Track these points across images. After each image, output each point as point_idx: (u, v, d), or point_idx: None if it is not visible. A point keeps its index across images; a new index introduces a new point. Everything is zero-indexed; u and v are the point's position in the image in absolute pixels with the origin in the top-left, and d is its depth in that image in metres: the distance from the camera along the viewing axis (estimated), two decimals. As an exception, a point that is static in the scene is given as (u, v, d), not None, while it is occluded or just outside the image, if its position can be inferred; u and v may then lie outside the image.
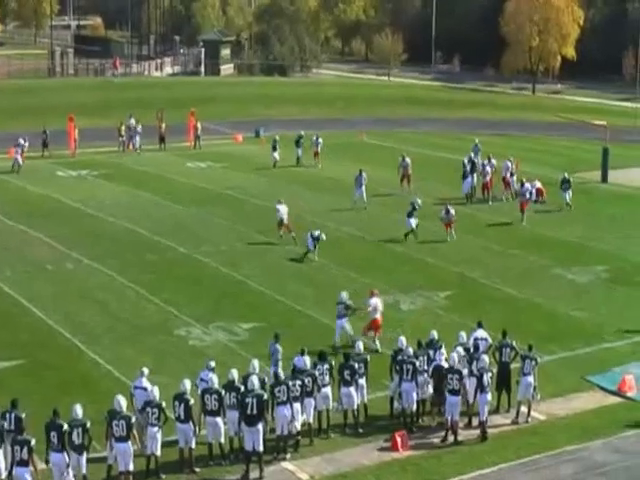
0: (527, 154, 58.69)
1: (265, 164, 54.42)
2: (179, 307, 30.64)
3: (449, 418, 22.22)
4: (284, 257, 36.53)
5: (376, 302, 27.91)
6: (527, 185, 43.54)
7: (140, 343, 27.66)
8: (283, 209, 38.36)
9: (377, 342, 27.40)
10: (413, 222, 38.75)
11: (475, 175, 47.53)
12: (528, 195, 43.27)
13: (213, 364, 21.89)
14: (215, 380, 21.01)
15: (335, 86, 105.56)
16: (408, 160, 48.07)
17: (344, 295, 27.72)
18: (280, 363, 23.33)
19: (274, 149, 54.57)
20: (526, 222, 42.21)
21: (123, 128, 58.22)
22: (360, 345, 23.45)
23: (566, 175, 46.02)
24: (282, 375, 21.54)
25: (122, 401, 19.69)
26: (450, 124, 77.06)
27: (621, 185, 52.50)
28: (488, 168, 46.92)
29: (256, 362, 21.93)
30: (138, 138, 57.81)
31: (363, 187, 44.37)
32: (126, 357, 26.46)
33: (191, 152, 59.13)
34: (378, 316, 27.75)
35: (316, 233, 35.75)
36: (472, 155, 49.90)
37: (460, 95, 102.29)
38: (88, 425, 19.18)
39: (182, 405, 20.38)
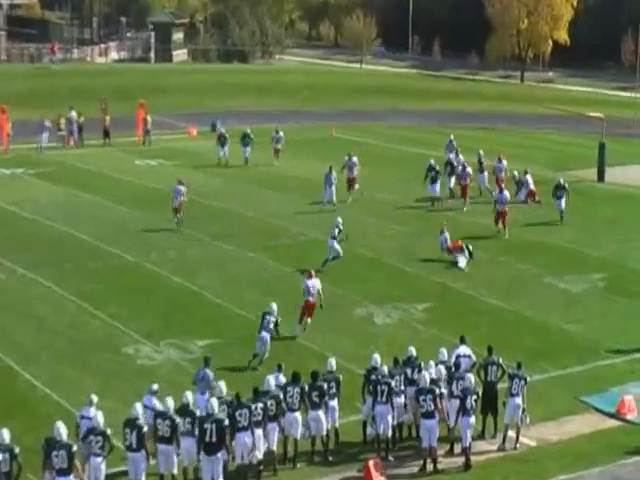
0: (514, 150, 58.80)
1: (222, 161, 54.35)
2: (126, 322, 30.49)
3: (426, 445, 22.25)
4: (241, 265, 36.54)
5: (307, 283, 29.58)
6: (506, 192, 41.85)
7: (82, 362, 27.48)
8: (182, 191, 40.59)
9: (300, 326, 29.14)
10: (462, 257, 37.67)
11: (454, 177, 47.47)
12: (505, 201, 41.50)
13: (156, 387, 21.83)
14: (170, 404, 20.72)
15: (300, 74, 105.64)
16: (355, 159, 47.32)
17: (274, 306, 27.87)
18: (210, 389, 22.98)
19: (222, 145, 54.39)
20: (515, 226, 41.95)
21: (63, 121, 57.98)
22: (332, 362, 23.32)
23: (561, 180, 44.66)
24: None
25: (62, 428, 19.40)
26: (428, 116, 77.36)
27: (620, 184, 52.69)
28: (469, 169, 46.65)
29: (222, 384, 21.84)
30: (45, 135, 56.59)
31: (333, 187, 44.38)
32: (66, 378, 26.31)
33: (140, 148, 59.01)
34: (310, 299, 29.45)
35: (335, 231, 36.19)
36: (452, 156, 49.73)
37: (440, 84, 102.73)
38: (17, 451, 18.96)
39: (134, 432, 20.18)
